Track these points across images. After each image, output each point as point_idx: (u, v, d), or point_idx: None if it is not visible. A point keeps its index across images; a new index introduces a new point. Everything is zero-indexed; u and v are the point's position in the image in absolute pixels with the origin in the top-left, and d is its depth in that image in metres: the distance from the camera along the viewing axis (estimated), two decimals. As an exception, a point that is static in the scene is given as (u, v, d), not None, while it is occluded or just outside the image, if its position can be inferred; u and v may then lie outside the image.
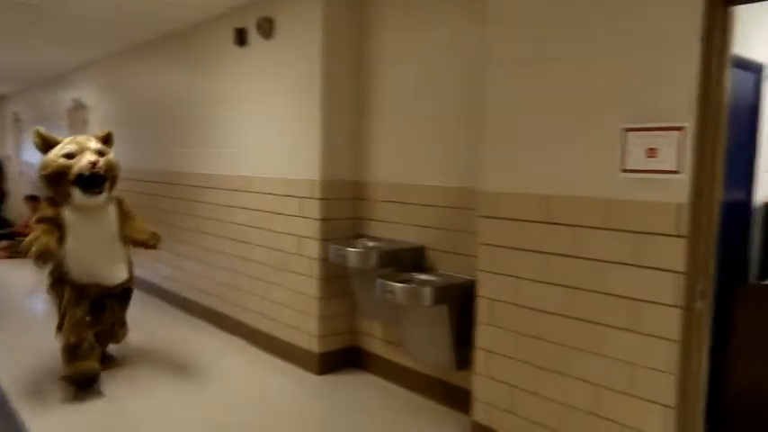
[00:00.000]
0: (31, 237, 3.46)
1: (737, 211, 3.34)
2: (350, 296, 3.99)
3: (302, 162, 4.00)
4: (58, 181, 3.55)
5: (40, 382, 3.76)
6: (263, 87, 4.36)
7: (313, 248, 3.93)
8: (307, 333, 4.05)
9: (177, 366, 4.08)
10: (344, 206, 3.98)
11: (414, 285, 3.16)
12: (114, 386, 3.73)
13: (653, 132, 2.28)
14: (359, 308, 3.93)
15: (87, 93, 7.66)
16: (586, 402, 2.52)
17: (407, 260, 3.49)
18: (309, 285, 3.98)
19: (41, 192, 8.93)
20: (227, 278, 4.87)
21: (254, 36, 4.35)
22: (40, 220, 3.56)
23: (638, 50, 2.31)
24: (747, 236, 3.42)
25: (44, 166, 3.59)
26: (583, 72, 2.48)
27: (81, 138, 3.72)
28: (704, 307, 2.28)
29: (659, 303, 2.27)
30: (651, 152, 2.29)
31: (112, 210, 3.81)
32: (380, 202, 3.86)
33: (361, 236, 3.94)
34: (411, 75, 3.63)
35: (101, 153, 3.66)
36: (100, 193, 3.61)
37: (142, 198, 6.25)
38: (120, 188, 6.67)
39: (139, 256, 6.45)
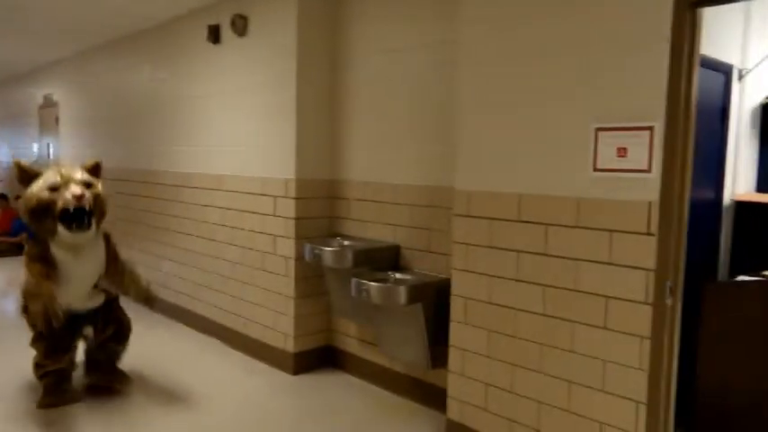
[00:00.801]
0: (30, 285, 3.18)
1: (707, 210, 3.40)
2: (325, 295, 3.96)
3: (277, 160, 3.96)
4: (42, 216, 3.20)
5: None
6: (236, 85, 4.31)
7: (288, 248, 3.89)
8: (282, 333, 4.02)
9: (150, 367, 4.01)
10: (319, 205, 3.96)
11: (388, 284, 3.16)
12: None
13: (623, 132, 2.30)
14: (334, 307, 3.91)
15: (58, 90, 7.49)
16: (560, 399, 2.54)
17: (382, 259, 3.48)
18: (284, 285, 3.95)
19: (9, 191, 8.74)
20: (201, 278, 4.80)
21: (227, 33, 4.30)
22: (33, 259, 3.24)
23: (609, 51, 2.33)
24: (717, 234, 3.49)
25: (25, 201, 3.23)
26: (555, 72, 2.50)
27: (65, 168, 3.36)
28: (674, 304, 2.31)
29: (630, 300, 2.30)
30: (622, 152, 2.31)
31: (101, 245, 3.47)
32: (355, 200, 3.85)
33: (336, 235, 3.92)
34: (385, 73, 3.62)
35: (87, 184, 3.29)
36: (87, 228, 3.23)
37: (116, 197, 6.14)
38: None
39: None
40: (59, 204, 3.15)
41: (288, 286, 3.93)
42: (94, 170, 3.49)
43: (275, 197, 3.98)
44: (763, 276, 2.90)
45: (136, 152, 5.73)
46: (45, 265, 3.22)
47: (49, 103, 7.78)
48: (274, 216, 4.00)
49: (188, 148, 4.92)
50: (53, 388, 3.39)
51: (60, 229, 3.19)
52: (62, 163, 3.50)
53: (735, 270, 3.44)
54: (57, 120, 7.53)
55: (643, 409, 2.29)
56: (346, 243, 3.70)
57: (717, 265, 3.49)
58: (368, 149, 3.77)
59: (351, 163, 3.89)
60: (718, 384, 2.77)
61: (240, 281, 4.36)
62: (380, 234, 3.67)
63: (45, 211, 3.18)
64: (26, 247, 3.37)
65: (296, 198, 3.83)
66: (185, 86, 4.90)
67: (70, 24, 5.35)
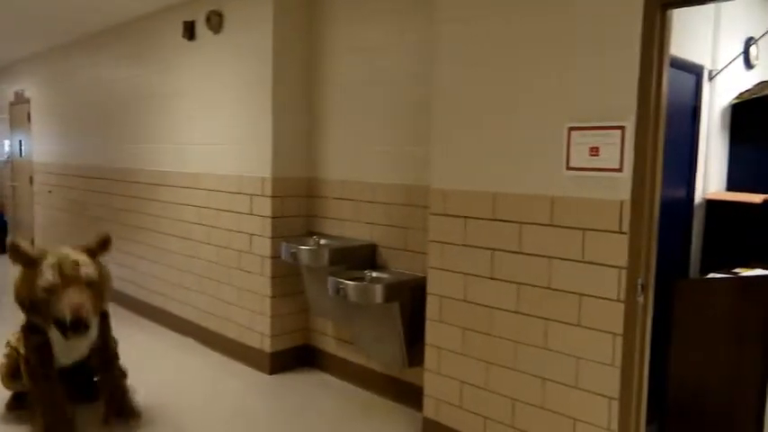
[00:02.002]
0: (33, 396, 2.97)
1: (679, 208, 3.45)
2: (302, 294, 3.94)
3: (253, 159, 3.92)
4: (35, 314, 2.90)
5: None
6: (212, 82, 4.26)
7: (264, 246, 3.86)
8: (258, 332, 3.98)
9: (126, 368, 3.94)
10: (296, 204, 3.93)
11: (365, 283, 3.15)
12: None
13: (595, 131, 2.33)
14: (311, 306, 3.89)
15: (30, 86, 7.33)
16: (534, 396, 2.56)
17: (359, 258, 3.47)
18: (261, 284, 3.92)
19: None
20: (177, 277, 4.74)
21: (203, 30, 4.25)
22: (31, 352, 2.95)
23: (581, 51, 2.35)
24: (689, 232, 3.54)
25: (18, 293, 2.91)
26: (529, 72, 2.51)
27: (66, 258, 2.87)
28: (646, 301, 2.34)
29: (602, 298, 2.33)
30: (594, 151, 2.34)
31: (95, 324, 3.07)
32: (332, 199, 3.83)
33: (312, 234, 3.90)
34: (362, 71, 3.61)
35: (90, 283, 2.88)
36: (84, 334, 2.88)
37: (91, 196, 6.04)
38: (69, 186, 6.51)
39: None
40: (55, 311, 2.77)
41: (264, 285, 3.90)
42: (102, 246, 3.10)
43: (251, 195, 3.94)
44: (734, 274, 2.96)
45: (110, 150, 5.63)
46: (42, 362, 2.93)
47: (20, 100, 7.61)
48: (251, 215, 3.96)
49: (164, 145, 4.84)
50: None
51: (53, 332, 2.88)
52: (63, 250, 2.95)
53: (706, 268, 3.50)
54: (29, 116, 7.37)
55: (615, 405, 2.32)
56: (323, 242, 3.68)
57: (688, 263, 3.55)
58: (345, 148, 3.76)
59: (328, 161, 3.87)
60: (689, 380, 2.82)
61: (216, 280, 4.31)
62: (357, 233, 3.66)
63: (39, 312, 2.85)
64: (22, 335, 3.03)
65: (272, 196, 3.80)
66: (160, 83, 4.83)
67: (42, 19, 5.23)
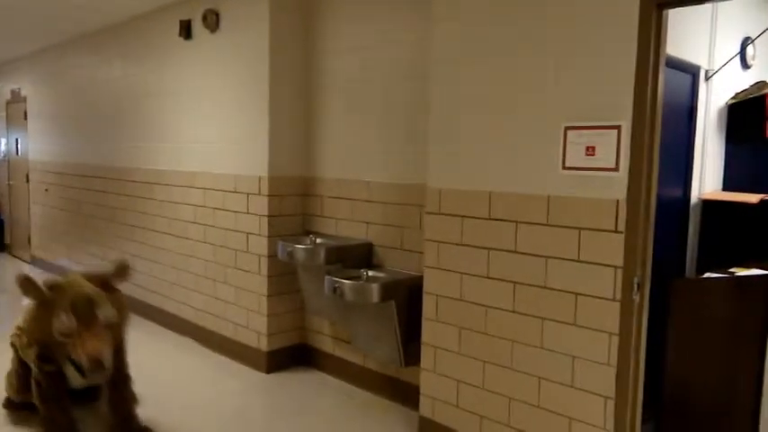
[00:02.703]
0: (44, 417, 2.86)
1: (675, 208, 3.46)
2: (298, 293, 3.94)
3: (249, 157, 3.92)
4: (51, 355, 2.75)
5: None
6: (208, 81, 4.25)
7: (261, 245, 3.86)
8: (255, 331, 3.98)
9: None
10: (292, 202, 3.93)
11: (361, 282, 3.15)
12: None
13: (591, 131, 2.33)
14: (307, 305, 3.88)
15: (27, 84, 7.31)
16: (530, 395, 2.56)
17: (355, 257, 3.47)
18: (257, 283, 3.91)
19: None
20: (174, 276, 4.74)
21: (199, 29, 4.24)
22: (44, 378, 2.82)
23: (578, 51, 2.35)
24: (685, 232, 3.55)
25: (30, 332, 2.77)
26: (525, 71, 2.51)
27: (82, 299, 2.66)
28: (642, 300, 2.34)
29: (598, 297, 2.33)
30: (590, 150, 2.34)
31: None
32: (329, 198, 3.83)
33: (309, 232, 3.89)
34: (359, 70, 3.60)
35: (108, 324, 2.72)
36: (101, 373, 2.76)
37: (87, 194, 6.03)
38: (65, 184, 6.49)
39: (83, 253, 6.23)
40: (72, 356, 2.66)
41: (261, 284, 3.89)
42: (120, 274, 2.89)
43: (248, 194, 3.94)
44: (730, 273, 2.96)
45: (107, 148, 5.62)
46: (55, 388, 2.83)
47: (17, 98, 7.59)
48: (247, 213, 3.96)
49: (160, 144, 4.83)
50: None
51: (70, 370, 2.75)
52: (77, 284, 2.74)
53: (702, 267, 3.51)
54: (25, 115, 7.35)
55: (611, 404, 2.32)
56: (319, 241, 3.68)
57: (684, 263, 3.55)
58: (341, 147, 3.76)
59: (324, 160, 3.86)
60: (684, 379, 2.82)
61: (213, 279, 4.31)
62: (353, 232, 3.66)
63: (54, 353, 2.71)
64: (36, 361, 2.83)
65: (269, 195, 3.80)
66: (157, 82, 4.82)
67: (39, 18, 5.21)
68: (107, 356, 2.65)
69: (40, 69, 6.96)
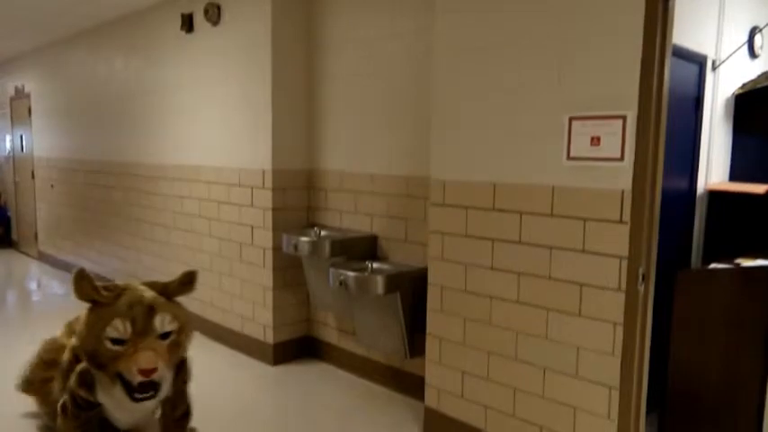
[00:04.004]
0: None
1: (681, 199, 3.44)
2: (303, 286, 3.95)
3: (253, 151, 3.92)
4: (97, 367, 2.38)
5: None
6: (211, 75, 4.25)
7: (265, 238, 3.87)
8: (261, 324, 4.00)
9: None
10: (296, 195, 3.93)
11: (366, 274, 3.15)
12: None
13: (596, 121, 2.31)
14: (312, 298, 3.89)
15: (30, 81, 7.33)
16: (534, 385, 2.56)
17: (360, 249, 3.48)
18: (262, 276, 3.93)
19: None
20: (180, 270, 4.73)
21: (201, 22, 4.23)
22: (71, 402, 2.47)
23: (583, 40, 2.33)
24: (691, 222, 3.53)
25: (81, 338, 2.39)
26: (529, 61, 2.50)
27: (140, 305, 2.35)
28: (647, 291, 2.34)
29: (603, 288, 2.32)
30: (595, 140, 2.33)
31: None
32: (332, 191, 3.83)
33: (313, 225, 3.90)
34: (361, 62, 3.60)
35: (164, 335, 2.38)
36: (152, 399, 2.43)
37: (93, 189, 6.06)
38: (70, 180, 6.52)
39: (89, 248, 6.26)
40: (122, 369, 2.31)
41: (266, 277, 3.90)
42: (185, 285, 2.57)
43: (252, 188, 3.94)
44: (736, 264, 2.95)
45: (112, 143, 5.64)
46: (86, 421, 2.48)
47: (20, 95, 7.61)
48: (251, 207, 3.96)
49: (164, 139, 4.85)
50: None
51: (117, 390, 2.38)
52: (138, 291, 2.44)
53: (708, 258, 3.50)
54: (29, 111, 7.37)
55: (615, 394, 2.32)
56: (323, 233, 3.68)
57: (690, 254, 3.54)
58: (344, 139, 3.75)
59: (327, 153, 3.86)
60: (689, 370, 2.81)
61: (218, 272, 4.33)
62: (358, 224, 3.66)
63: (102, 366, 2.35)
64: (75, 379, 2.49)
65: (273, 188, 3.81)
66: (159, 76, 4.82)
67: (41, 14, 5.22)
68: (163, 373, 2.35)
69: (43, 65, 6.97)
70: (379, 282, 3.03)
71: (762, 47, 3.78)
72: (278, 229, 3.82)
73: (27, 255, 7.90)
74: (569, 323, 2.43)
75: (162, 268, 4.96)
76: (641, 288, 2.30)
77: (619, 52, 2.24)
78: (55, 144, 6.85)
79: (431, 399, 3.00)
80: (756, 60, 3.79)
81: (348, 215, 3.73)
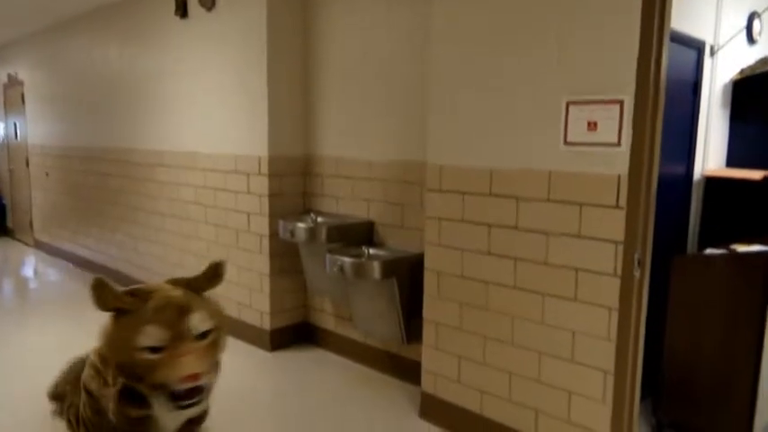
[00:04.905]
0: None
1: (678, 185, 3.45)
2: (300, 272, 3.95)
3: (249, 137, 3.90)
4: (133, 379, 2.12)
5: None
6: (206, 61, 4.22)
7: (262, 225, 3.86)
8: (258, 310, 4.00)
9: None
10: (293, 182, 3.92)
11: (362, 260, 3.16)
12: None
13: (594, 106, 2.30)
14: (309, 284, 3.90)
15: (23, 68, 7.27)
16: (530, 370, 2.58)
17: (356, 235, 3.48)
18: (259, 262, 3.93)
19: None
20: (176, 257, 4.75)
21: (195, 7, 4.19)
22: (126, 425, 2.24)
23: (580, 25, 2.31)
24: (687, 208, 3.54)
25: (112, 348, 2.14)
26: (526, 46, 2.48)
27: (170, 304, 2.11)
28: (642, 276, 2.34)
29: (599, 273, 2.33)
30: (592, 125, 2.32)
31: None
32: (329, 176, 3.82)
33: (310, 211, 3.89)
34: (358, 47, 3.57)
35: (202, 335, 2.12)
36: (198, 403, 2.17)
37: (88, 177, 6.03)
38: (66, 168, 6.48)
39: (86, 236, 6.25)
40: (163, 379, 2.05)
41: (263, 264, 3.90)
42: (213, 279, 2.33)
43: (248, 174, 3.93)
44: (731, 249, 2.96)
45: (107, 131, 5.60)
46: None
47: (14, 82, 7.55)
48: (248, 193, 3.95)
49: (159, 125, 4.82)
50: None
51: (161, 402, 2.14)
52: (164, 285, 2.24)
53: (704, 244, 3.51)
54: (23, 98, 7.32)
55: (610, 379, 2.34)
56: (320, 219, 3.68)
57: (686, 239, 3.55)
58: (341, 125, 3.74)
59: (324, 139, 3.85)
60: (684, 355, 2.83)
61: (215, 260, 4.31)
62: (355, 210, 3.65)
63: (140, 379, 2.09)
64: (115, 399, 2.23)
65: (269, 175, 3.79)
66: (154, 62, 4.78)
67: (32, 1, 5.15)
68: (208, 377, 2.13)
69: (36, 52, 6.91)
70: (376, 267, 3.04)
71: (760, 32, 3.76)
72: (274, 215, 3.81)
73: (23, 243, 7.88)
74: (565, 308, 2.44)
75: (160, 254, 4.95)
76: (637, 273, 2.30)
77: (617, 37, 2.22)
78: (49, 132, 6.80)
79: (427, 383, 3.02)
80: (755, 46, 3.77)
81: (345, 201, 3.72)
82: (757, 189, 3.41)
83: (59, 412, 2.81)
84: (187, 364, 2.02)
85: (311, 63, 3.87)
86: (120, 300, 2.10)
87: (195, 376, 2.04)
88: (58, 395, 2.86)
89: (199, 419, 2.47)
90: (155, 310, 2.07)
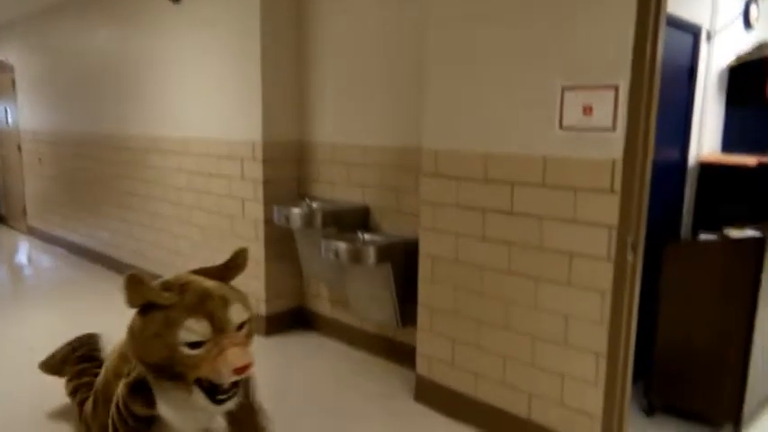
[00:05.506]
0: None
1: (673, 170, 3.46)
2: (295, 258, 3.95)
3: (243, 122, 3.88)
4: (168, 377, 1.99)
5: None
6: (199, 45, 4.18)
7: (257, 211, 3.86)
8: (254, 296, 4.01)
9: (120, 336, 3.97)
10: (287, 167, 3.91)
11: (358, 245, 3.16)
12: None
13: (589, 91, 2.30)
14: (305, 269, 3.90)
15: (13, 53, 7.17)
16: (524, 353, 2.60)
17: (351, 220, 3.48)
18: (254, 248, 3.92)
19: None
20: (171, 243, 4.75)
21: (189, -11, 4.15)
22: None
23: (576, 9, 2.30)
24: (681, 193, 3.55)
25: (143, 346, 1.97)
26: (522, 30, 2.47)
27: (210, 297, 1.99)
28: (635, 260, 2.36)
29: (592, 257, 2.34)
30: (587, 110, 2.32)
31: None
32: (324, 162, 3.81)
33: (305, 197, 3.89)
34: (353, 32, 3.54)
35: (242, 325, 2.03)
36: (234, 397, 2.07)
37: (81, 163, 5.99)
38: (58, 154, 6.43)
39: (79, 222, 6.22)
40: (208, 374, 1.94)
41: (258, 250, 3.90)
42: (238, 267, 2.23)
43: (242, 160, 3.91)
44: (724, 234, 2.98)
45: (99, 116, 5.56)
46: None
47: (4, 68, 7.45)
48: (242, 179, 3.94)
49: (152, 111, 4.78)
50: None
51: (198, 398, 2.01)
52: (195, 277, 2.14)
53: (698, 228, 3.52)
54: (13, 84, 7.24)
55: (603, 362, 2.36)
56: (315, 205, 3.68)
57: (680, 223, 3.57)
58: (335, 110, 3.72)
59: (319, 124, 3.83)
60: (676, 339, 2.86)
61: (210, 246, 4.32)
62: (350, 195, 3.65)
63: (178, 376, 1.95)
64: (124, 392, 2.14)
65: (263, 160, 3.78)
66: (146, 47, 4.73)
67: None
68: (252, 370, 2.01)
69: (26, 37, 6.81)
70: (371, 253, 3.04)
71: (757, 17, 3.75)
72: (269, 201, 3.81)
73: (16, 229, 7.84)
74: (559, 292, 2.45)
75: (155, 241, 4.94)
76: (630, 257, 2.32)
77: (612, 21, 2.21)
78: (41, 117, 6.74)
79: (422, 367, 3.04)
80: (751, 31, 3.77)
81: (339, 186, 3.72)
82: (752, 175, 3.42)
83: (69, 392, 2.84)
84: (237, 357, 1.93)
85: (306, 47, 3.84)
86: (158, 295, 1.97)
87: (246, 367, 1.94)
88: (54, 370, 2.93)
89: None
90: (195, 302, 1.97)
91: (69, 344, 3.01)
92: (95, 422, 2.43)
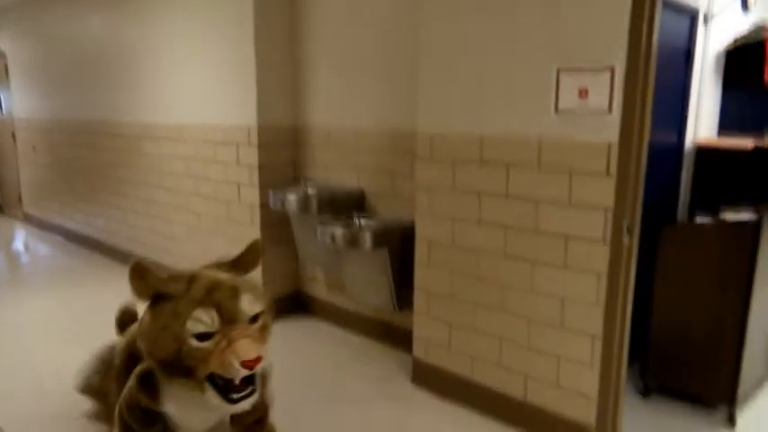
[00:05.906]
0: None
1: (669, 153, 3.45)
2: (292, 242, 3.95)
3: (237, 107, 3.86)
4: (177, 372, 1.91)
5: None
6: (192, 30, 4.13)
7: (253, 196, 3.85)
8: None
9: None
10: (283, 152, 3.90)
11: (354, 229, 3.16)
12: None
13: (585, 73, 2.29)
14: (301, 254, 3.91)
15: (5, 40, 7.09)
16: (520, 336, 2.62)
17: (347, 204, 3.48)
18: (251, 233, 3.92)
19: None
20: (167, 229, 4.74)
21: (183, -28, 4.09)
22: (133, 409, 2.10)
23: (573, -13, 2.28)
24: (678, 176, 3.56)
25: (151, 340, 1.91)
26: (518, 12, 2.44)
27: (219, 286, 1.91)
28: (631, 243, 2.36)
29: (588, 240, 2.35)
30: (583, 93, 2.30)
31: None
32: (319, 146, 3.80)
33: (300, 181, 3.88)
34: (347, 14, 3.51)
35: (256, 318, 1.95)
36: (251, 395, 1.96)
37: (77, 150, 5.96)
38: (53, 142, 6.39)
39: (75, 209, 6.20)
40: (217, 368, 1.85)
41: (254, 234, 3.90)
42: (252, 260, 2.16)
43: (238, 145, 3.90)
44: (720, 217, 2.98)
45: (94, 103, 5.51)
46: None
47: (-5, 54, 7.38)
48: (237, 164, 3.93)
49: (147, 97, 4.74)
50: None
51: (210, 395, 1.91)
52: (205, 270, 2.05)
53: (694, 211, 3.53)
54: (6, 71, 7.17)
55: (598, 344, 2.38)
56: (311, 189, 3.66)
57: (677, 206, 3.57)
58: (331, 94, 3.70)
59: (314, 108, 3.81)
60: (671, 322, 2.88)
61: (206, 231, 4.31)
62: (345, 179, 3.64)
63: (188, 371, 1.87)
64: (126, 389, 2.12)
65: (259, 145, 3.76)
66: (140, 33, 4.68)
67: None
68: (264, 363, 1.92)
69: (19, 24, 6.73)
70: (367, 237, 3.04)
71: (754, 0, 3.73)
72: (265, 186, 3.80)
73: (12, 217, 7.82)
74: (555, 275, 2.46)
75: (151, 227, 4.93)
76: (626, 240, 2.32)
77: (608, 2, 2.19)
78: (35, 105, 6.69)
79: (419, 350, 3.06)
80: (749, 13, 3.74)
81: (335, 170, 3.71)
82: (748, 158, 3.42)
83: (99, 414, 2.65)
84: (246, 349, 1.83)
85: (299, 30, 3.81)
86: (165, 285, 1.89)
87: (255, 361, 1.85)
88: (92, 390, 2.68)
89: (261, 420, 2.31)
90: (203, 293, 1.88)
91: (101, 359, 2.68)
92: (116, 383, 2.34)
